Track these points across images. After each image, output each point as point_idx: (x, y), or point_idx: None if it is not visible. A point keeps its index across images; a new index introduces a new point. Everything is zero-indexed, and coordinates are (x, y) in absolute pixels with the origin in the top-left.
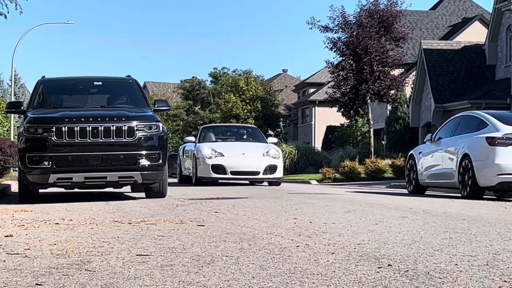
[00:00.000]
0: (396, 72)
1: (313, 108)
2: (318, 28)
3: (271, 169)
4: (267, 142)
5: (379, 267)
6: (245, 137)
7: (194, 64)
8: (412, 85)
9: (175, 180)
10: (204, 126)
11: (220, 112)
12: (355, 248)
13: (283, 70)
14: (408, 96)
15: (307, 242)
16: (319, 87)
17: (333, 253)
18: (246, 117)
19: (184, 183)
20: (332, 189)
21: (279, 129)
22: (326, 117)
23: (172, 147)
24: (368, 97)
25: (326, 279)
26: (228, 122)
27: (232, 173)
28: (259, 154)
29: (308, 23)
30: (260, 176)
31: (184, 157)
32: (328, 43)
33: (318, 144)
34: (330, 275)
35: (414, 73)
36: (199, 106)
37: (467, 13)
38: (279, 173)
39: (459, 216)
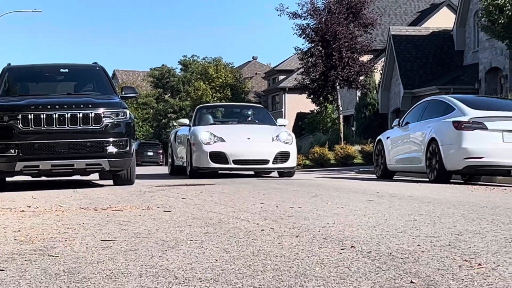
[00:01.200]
0: (365, 58)
1: (283, 95)
2: (287, 14)
3: (283, 156)
4: (276, 125)
5: (342, 249)
6: (249, 118)
7: (164, 52)
8: (381, 71)
9: (166, 172)
10: (200, 106)
11: (190, 99)
12: (319, 231)
13: (253, 57)
14: (377, 82)
15: (272, 226)
16: (289, 74)
17: (297, 236)
18: None
19: (177, 174)
20: (301, 175)
21: None
22: (296, 104)
23: (142, 135)
24: (337, 83)
25: (289, 261)
26: None
27: (235, 162)
28: (267, 139)
29: (277, 10)
30: (270, 165)
31: (177, 143)
32: (297, 30)
33: None
34: (293, 257)
35: (383, 59)
36: (169, 94)
37: None
38: (292, 162)
39: (424, 199)
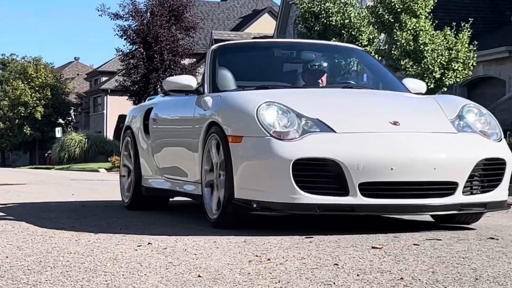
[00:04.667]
0: (187, 61)
1: (105, 97)
2: (108, 15)
3: (489, 173)
4: (408, 90)
5: (138, 246)
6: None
7: None
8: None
9: (116, 197)
10: (222, 44)
11: (8, 99)
12: (120, 229)
13: (75, 58)
14: None
15: (74, 224)
16: (111, 76)
17: (96, 234)
18: (35, 105)
19: (149, 209)
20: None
21: (70, 118)
22: (119, 106)
23: None
24: (158, 86)
25: (82, 257)
26: (16, 110)
27: (368, 190)
28: (443, 126)
29: (98, 10)
30: (458, 198)
31: (151, 140)
32: (118, 31)
33: (110, 133)
34: (88, 253)
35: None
36: None
37: (257, 5)
38: (504, 187)
39: None
